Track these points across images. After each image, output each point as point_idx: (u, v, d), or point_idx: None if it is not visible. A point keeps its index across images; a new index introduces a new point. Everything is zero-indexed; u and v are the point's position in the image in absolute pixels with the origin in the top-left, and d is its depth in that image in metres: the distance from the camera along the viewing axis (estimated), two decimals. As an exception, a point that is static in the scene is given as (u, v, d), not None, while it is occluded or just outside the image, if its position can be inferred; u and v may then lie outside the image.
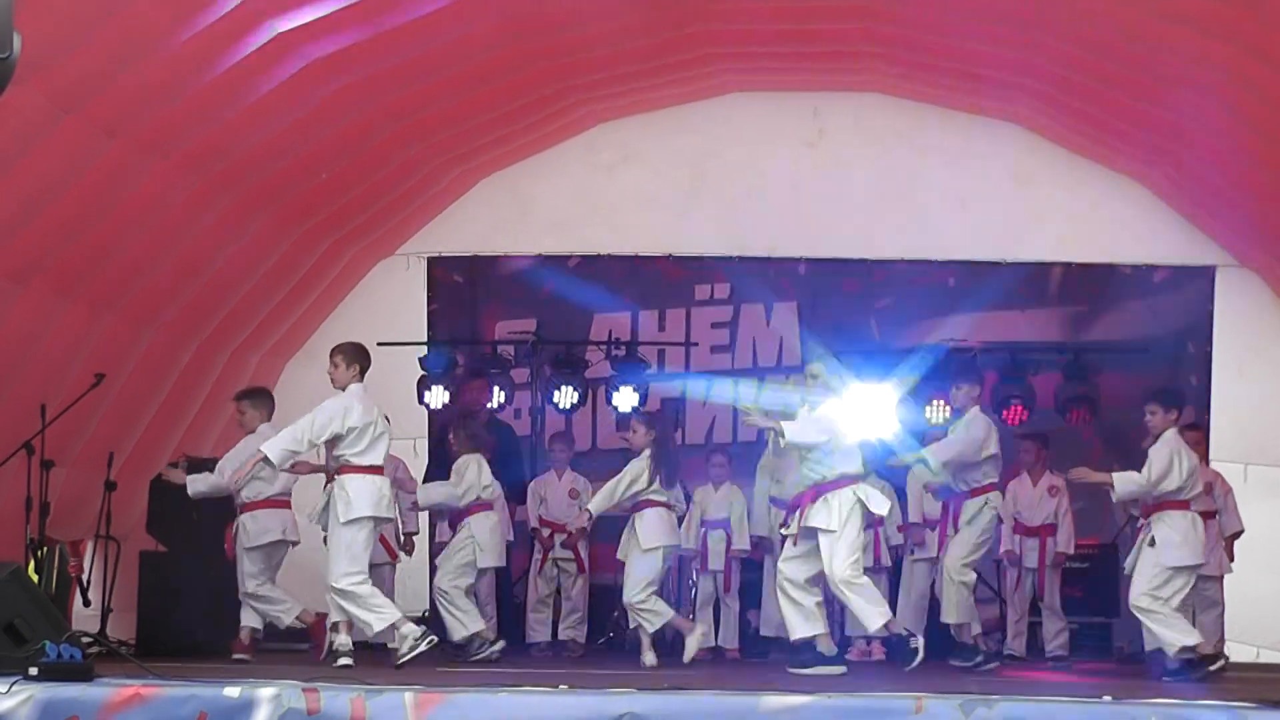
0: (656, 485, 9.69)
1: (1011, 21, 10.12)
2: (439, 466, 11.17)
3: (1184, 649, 8.99)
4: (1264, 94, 9.18)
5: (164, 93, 8.51)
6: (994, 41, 10.57)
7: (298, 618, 9.85)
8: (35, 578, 9.01)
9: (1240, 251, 12.11)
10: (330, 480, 9.04)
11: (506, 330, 12.66)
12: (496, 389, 12.19)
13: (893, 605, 10.01)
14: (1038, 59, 10.59)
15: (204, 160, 9.39)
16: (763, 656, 10.93)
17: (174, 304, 10.32)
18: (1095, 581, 10.06)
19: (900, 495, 11.02)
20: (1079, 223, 12.34)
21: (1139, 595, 9.08)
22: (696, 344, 12.71)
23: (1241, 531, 10.93)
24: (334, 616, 9.05)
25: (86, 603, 10.09)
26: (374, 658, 9.71)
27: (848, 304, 12.57)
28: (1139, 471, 9.08)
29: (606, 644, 11.17)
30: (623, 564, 9.84)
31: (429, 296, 12.76)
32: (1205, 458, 10.72)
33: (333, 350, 9.19)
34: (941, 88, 11.98)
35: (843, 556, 8.90)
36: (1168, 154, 11.32)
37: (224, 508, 10.41)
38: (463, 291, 12.86)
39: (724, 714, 6.43)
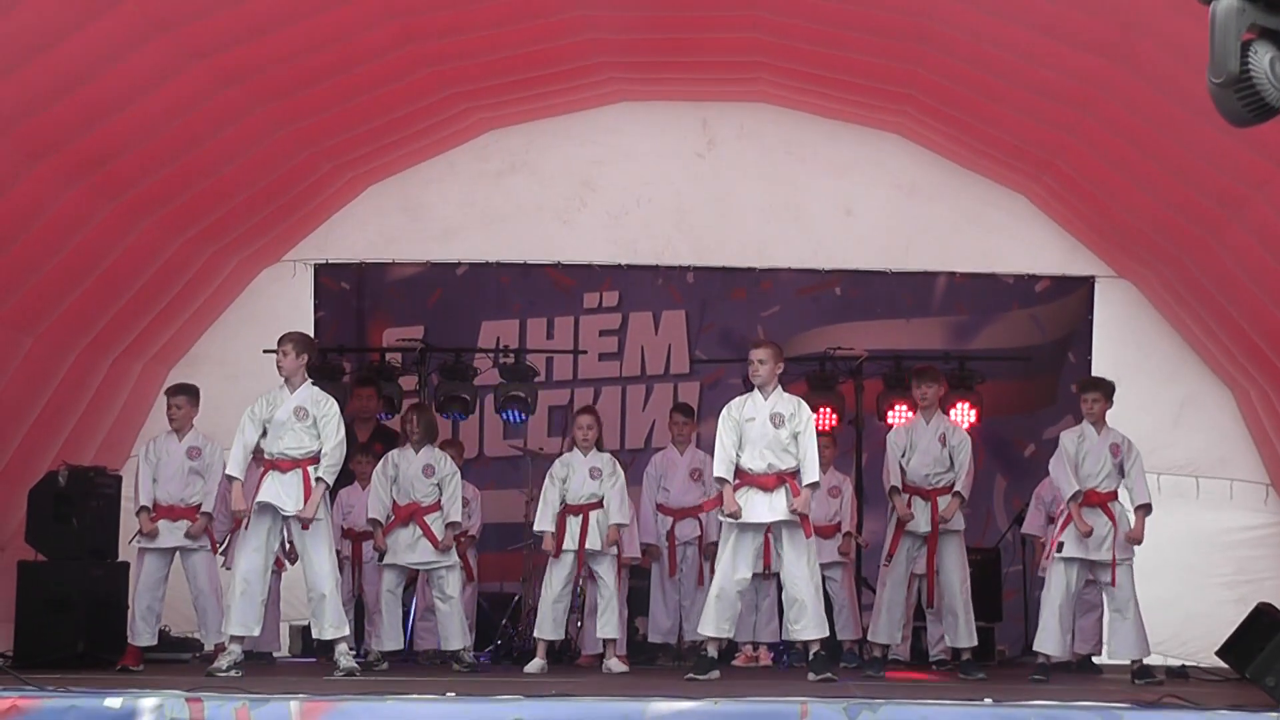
0: None
1: (897, 36, 10.26)
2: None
3: None
4: (1139, 108, 9.39)
5: (45, 97, 8.36)
6: (880, 55, 10.70)
7: None
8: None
9: (1118, 263, 12.37)
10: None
11: (394, 338, 12.57)
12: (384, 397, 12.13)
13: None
14: (923, 73, 10.74)
15: (86, 165, 9.23)
16: (650, 663, 10.96)
17: (54, 311, 10.12)
18: (978, 587, 10.18)
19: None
20: (962, 233, 12.53)
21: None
22: (585, 351, 12.73)
23: None
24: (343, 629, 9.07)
25: (-39, 615, 9.86)
26: (259, 666, 9.60)
27: (735, 312, 12.66)
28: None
29: (494, 651, 11.13)
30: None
31: (315, 304, 12.64)
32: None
33: (282, 339, 9.11)
34: (829, 100, 12.10)
35: None
36: (1048, 167, 11.53)
37: (105, 516, 10.23)
38: (349, 299, 12.76)
39: (611, 720, 6.45)
